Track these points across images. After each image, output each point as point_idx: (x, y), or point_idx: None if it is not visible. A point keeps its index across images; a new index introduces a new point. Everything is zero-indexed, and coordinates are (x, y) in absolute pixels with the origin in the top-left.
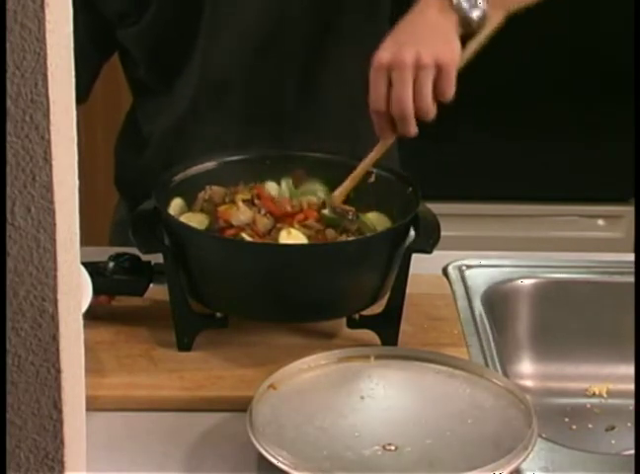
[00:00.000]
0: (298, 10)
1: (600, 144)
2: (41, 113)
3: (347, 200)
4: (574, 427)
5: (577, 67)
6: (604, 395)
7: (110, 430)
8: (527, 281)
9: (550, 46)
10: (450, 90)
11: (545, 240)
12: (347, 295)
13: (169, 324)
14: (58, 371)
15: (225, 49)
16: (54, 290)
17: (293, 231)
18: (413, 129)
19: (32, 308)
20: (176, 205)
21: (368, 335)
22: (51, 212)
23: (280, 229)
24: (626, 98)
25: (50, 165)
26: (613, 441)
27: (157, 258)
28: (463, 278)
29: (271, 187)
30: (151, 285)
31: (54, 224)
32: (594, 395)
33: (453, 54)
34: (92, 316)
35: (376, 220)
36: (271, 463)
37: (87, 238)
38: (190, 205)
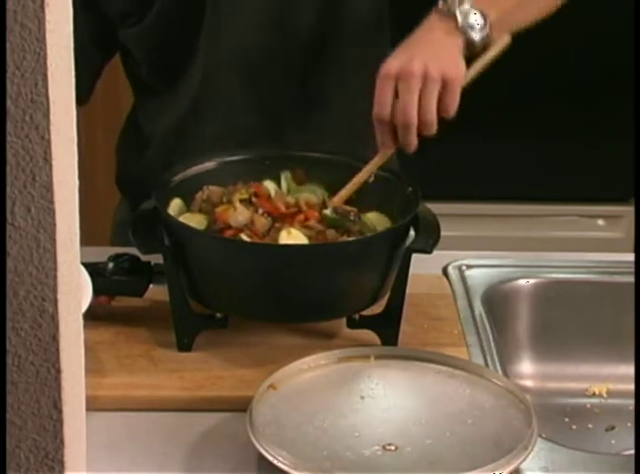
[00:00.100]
0: (299, 10)
1: (600, 144)
2: (41, 113)
3: (347, 201)
4: (574, 427)
5: (577, 67)
6: (604, 395)
7: (110, 430)
8: (527, 281)
9: (550, 46)
10: (454, 106)
11: (545, 240)
12: (347, 295)
13: (169, 324)
14: (58, 371)
15: (226, 49)
16: (54, 290)
17: (294, 231)
18: (414, 141)
19: (32, 308)
20: (175, 206)
21: (368, 335)
22: (51, 212)
23: (278, 229)
24: (626, 98)
25: (50, 165)
26: (613, 441)
27: (157, 258)
28: (463, 278)
29: (269, 185)
30: (151, 286)
31: (54, 224)
32: (594, 395)
33: (459, 71)
34: (92, 316)
35: (376, 220)
36: (271, 463)
37: (87, 238)
38: (189, 206)
